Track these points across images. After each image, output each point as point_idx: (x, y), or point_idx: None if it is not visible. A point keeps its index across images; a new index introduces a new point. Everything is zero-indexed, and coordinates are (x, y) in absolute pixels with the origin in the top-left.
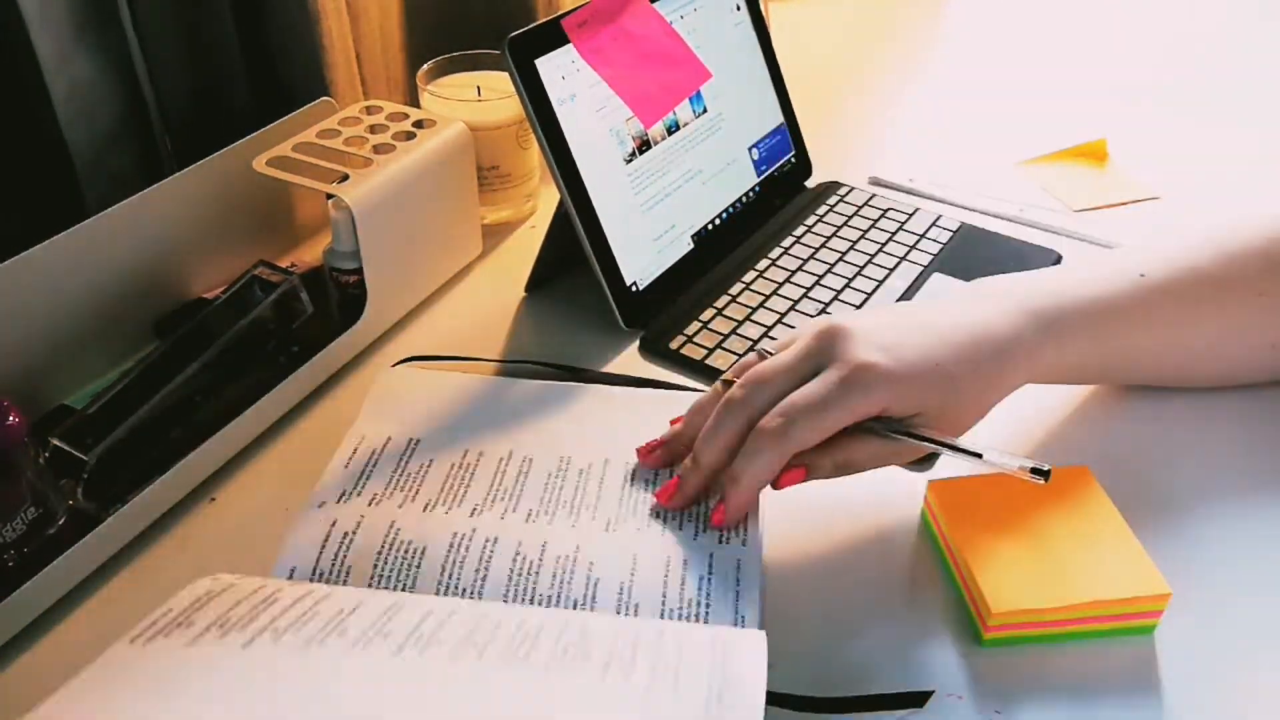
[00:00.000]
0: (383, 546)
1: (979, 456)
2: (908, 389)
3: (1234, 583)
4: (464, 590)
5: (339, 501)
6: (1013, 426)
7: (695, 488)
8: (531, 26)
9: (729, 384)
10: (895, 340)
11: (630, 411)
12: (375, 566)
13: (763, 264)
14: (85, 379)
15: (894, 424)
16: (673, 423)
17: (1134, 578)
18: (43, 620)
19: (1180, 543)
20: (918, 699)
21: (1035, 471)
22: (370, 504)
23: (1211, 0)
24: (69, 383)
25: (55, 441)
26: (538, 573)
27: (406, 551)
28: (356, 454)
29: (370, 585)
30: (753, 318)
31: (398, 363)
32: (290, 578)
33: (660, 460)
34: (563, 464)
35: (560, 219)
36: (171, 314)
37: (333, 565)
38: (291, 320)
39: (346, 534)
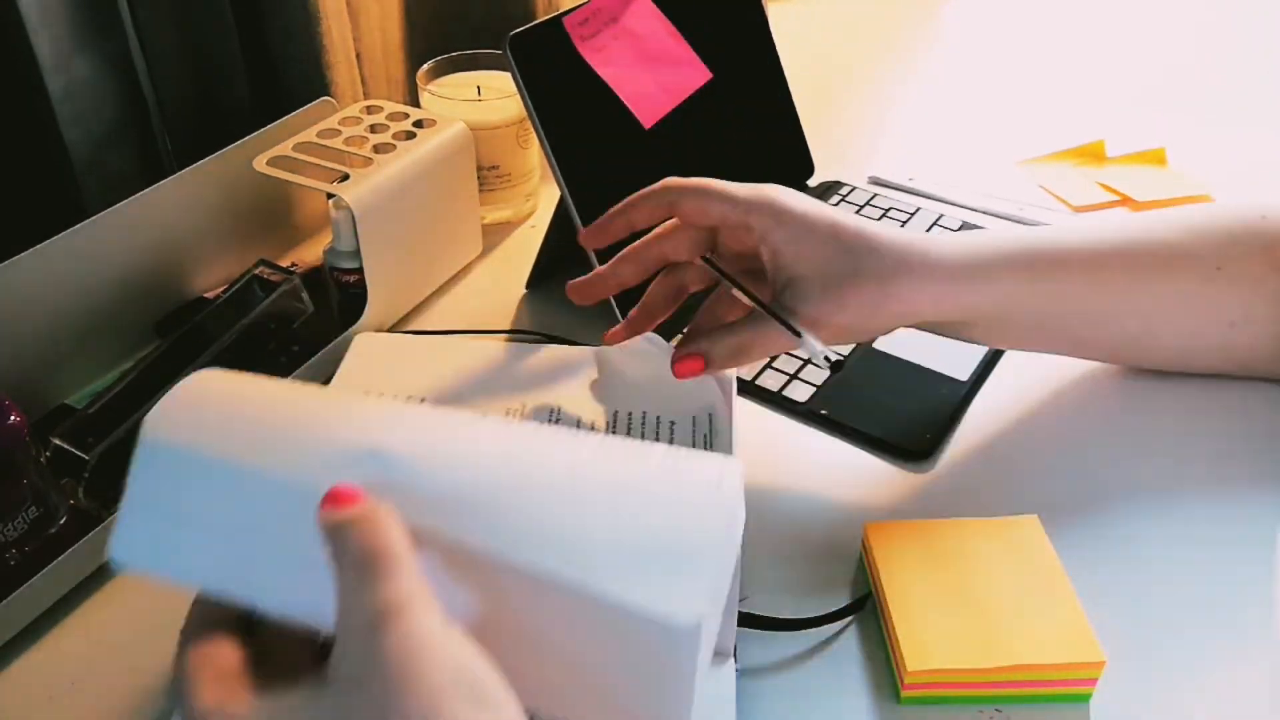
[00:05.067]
0: None
1: (798, 335)
2: (796, 226)
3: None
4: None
5: None
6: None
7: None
8: (532, 25)
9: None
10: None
11: (611, 368)
12: None
13: None
14: (85, 378)
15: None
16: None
17: (1067, 642)
18: (43, 620)
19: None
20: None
21: (828, 360)
22: None
23: (1210, 0)
24: (69, 382)
25: (56, 441)
26: None
27: None
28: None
29: None
30: None
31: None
32: None
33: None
34: (535, 416)
35: (561, 217)
36: (171, 314)
37: None
38: (292, 320)
39: None
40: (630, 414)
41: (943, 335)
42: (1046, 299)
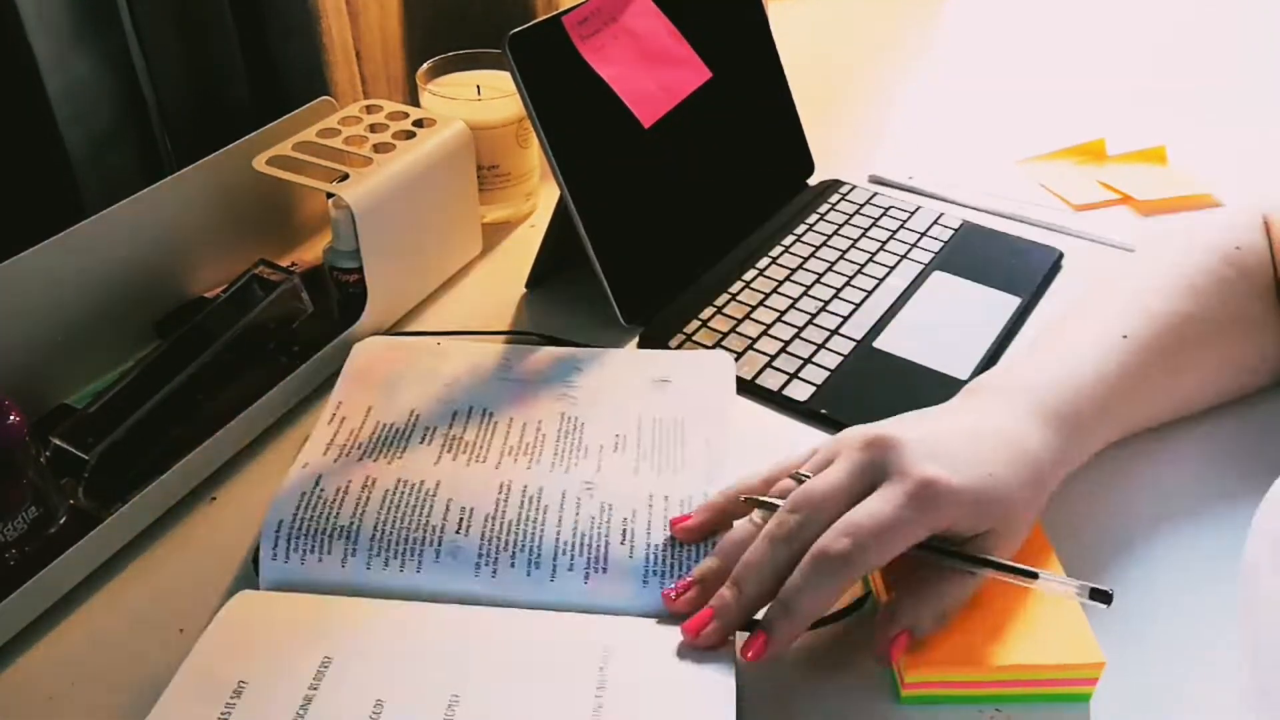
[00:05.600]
0: (361, 497)
1: (1034, 577)
2: (973, 503)
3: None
4: (434, 528)
5: (324, 455)
6: None
7: (735, 623)
8: (532, 24)
9: (766, 506)
10: (948, 451)
11: (610, 369)
12: (354, 517)
13: (763, 262)
14: (85, 378)
15: (948, 548)
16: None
17: (1067, 643)
18: (43, 620)
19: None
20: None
21: (1095, 594)
22: (348, 458)
23: (1211, 0)
24: (69, 382)
25: (56, 441)
26: (506, 519)
27: (384, 502)
28: (336, 417)
29: (347, 534)
30: (753, 316)
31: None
32: (277, 531)
33: (693, 605)
34: (537, 421)
35: (561, 216)
36: (172, 314)
37: (314, 517)
38: (292, 320)
39: (327, 488)
40: (640, 435)
41: None
42: (1119, 427)
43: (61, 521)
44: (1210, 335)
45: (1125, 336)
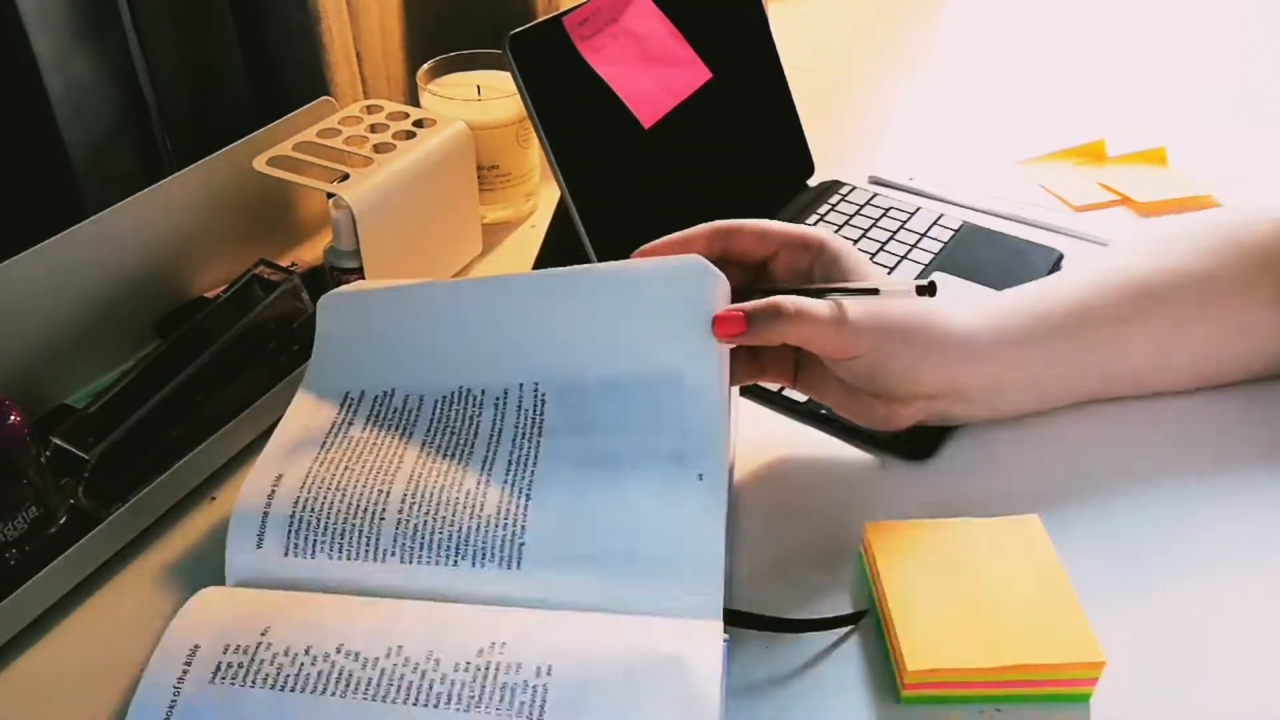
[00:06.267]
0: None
1: (875, 292)
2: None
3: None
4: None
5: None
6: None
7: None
8: (532, 25)
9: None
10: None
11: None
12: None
13: None
14: (86, 378)
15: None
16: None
17: (1067, 642)
18: (43, 620)
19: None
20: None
21: (921, 290)
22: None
23: (1212, 0)
24: (69, 382)
25: (56, 440)
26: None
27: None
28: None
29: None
30: None
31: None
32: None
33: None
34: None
35: (561, 216)
36: (171, 314)
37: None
38: (292, 320)
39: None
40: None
41: (961, 418)
42: (1071, 362)
43: (61, 521)
44: (1217, 298)
45: (1127, 277)
